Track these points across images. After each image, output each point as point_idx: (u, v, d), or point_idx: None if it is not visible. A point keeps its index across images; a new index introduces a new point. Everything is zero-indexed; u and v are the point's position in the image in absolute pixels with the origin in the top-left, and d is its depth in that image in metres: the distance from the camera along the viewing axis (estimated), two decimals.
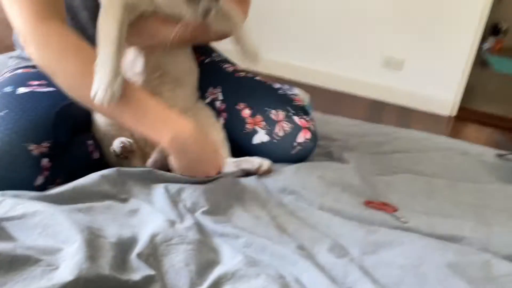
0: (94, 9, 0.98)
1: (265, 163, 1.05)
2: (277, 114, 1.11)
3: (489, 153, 1.36)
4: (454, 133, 3.14)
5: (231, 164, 1.04)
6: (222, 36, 1.10)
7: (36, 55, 0.92)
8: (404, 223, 0.92)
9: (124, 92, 0.90)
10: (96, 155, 1.02)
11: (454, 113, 3.29)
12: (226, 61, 1.29)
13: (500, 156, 1.38)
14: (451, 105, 3.27)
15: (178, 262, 0.71)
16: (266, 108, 1.11)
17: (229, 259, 0.76)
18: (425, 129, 3.07)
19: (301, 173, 1.05)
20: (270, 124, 1.10)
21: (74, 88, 0.93)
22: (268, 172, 1.05)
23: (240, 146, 1.12)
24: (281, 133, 1.10)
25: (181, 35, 0.97)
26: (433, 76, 3.22)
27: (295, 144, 1.09)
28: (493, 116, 3.34)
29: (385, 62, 3.26)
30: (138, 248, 0.71)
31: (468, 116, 3.30)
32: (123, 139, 0.99)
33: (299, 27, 3.30)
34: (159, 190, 0.91)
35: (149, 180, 0.94)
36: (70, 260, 0.60)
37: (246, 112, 1.13)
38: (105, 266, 0.61)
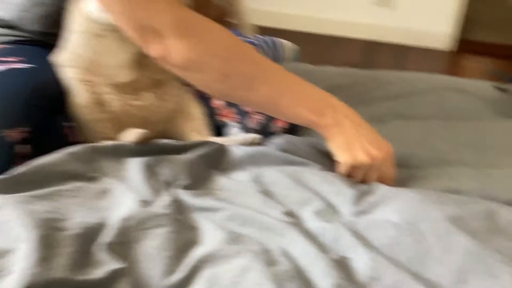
0: None
1: (256, 136, 0.98)
2: None
3: (488, 87, 1.27)
4: (454, 67, 3.05)
5: None
6: (221, 15, 1.03)
7: (183, 48, 0.81)
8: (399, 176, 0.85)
9: (275, 72, 0.85)
10: (74, 138, 0.95)
11: (452, 46, 3.18)
12: None
13: (499, 89, 1.29)
14: (448, 38, 3.15)
15: (152, 249, 0.65)
16: None
17: (210, 237, 0.70)
18: (423, 65, 2.97)
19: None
20: (242, 116, 1.03)
21: (229, 72, 0.84)
22: (260, 144, 0.98)
23: None
24: (253, 125, 1.02)
25: None
26: (428, 10, 3.09)
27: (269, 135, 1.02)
28: (492, 45, 3.22)
29: None
30: (106, 237, 0.65)
31: (467, 48, 3.19)
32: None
33: None
34: (134, 165, 0.84)
35: (123, 154, 0.87)
36: (20, 264, 0.54)
37: (217, 102, 1.05)
38: (59, 268, 0.55)
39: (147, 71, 0.98)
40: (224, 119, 1.05)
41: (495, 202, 0.77)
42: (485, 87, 1.28)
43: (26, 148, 0.83)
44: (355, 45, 3.17)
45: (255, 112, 1.03)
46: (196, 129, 1.03)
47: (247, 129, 1.03)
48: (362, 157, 0.84)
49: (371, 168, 0.84)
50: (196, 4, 0.98)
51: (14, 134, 0.81)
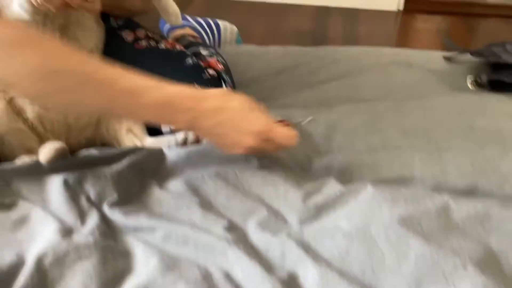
0: None
1: (190, 134, 0.90)
2: None
3: (436, 58, 1.22)
4: (403, 28, 3.01)
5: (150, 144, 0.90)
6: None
7: None
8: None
9: (106, 82, 0.74)
10: None
11: (401, 6, 3.14)
12: (127, 25, 1.10)
13: (447, 59, 1.25)
14: None
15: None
16: None
17: (143, 264, 0.63)
18: (374, 28, 2.92)
19: None
20: None
21: (46, 91, 0.72)
22: (197, 142, 0.89)
23: None
24: None
25: None
26: None
27: None
28: (439, 3, 3.19)
29: None
30: (20, 280, 0.57)
31: (416, 7, 3.15)
32: None
33: None
34: (55, 184, 0.75)
35: (44, 172, 0.78)
36: None
37: None
38: None
39: None
40: None
41: (448, 195, 0.72)
42: (433, 58, 1.23)
43: None
44: (305, 11, 3.08)
45: None
46: (130, 130, 0.94)
47: None
48: (239, 151, 0.78)
49: (261, 150, 0.78)
50: None
51: None
